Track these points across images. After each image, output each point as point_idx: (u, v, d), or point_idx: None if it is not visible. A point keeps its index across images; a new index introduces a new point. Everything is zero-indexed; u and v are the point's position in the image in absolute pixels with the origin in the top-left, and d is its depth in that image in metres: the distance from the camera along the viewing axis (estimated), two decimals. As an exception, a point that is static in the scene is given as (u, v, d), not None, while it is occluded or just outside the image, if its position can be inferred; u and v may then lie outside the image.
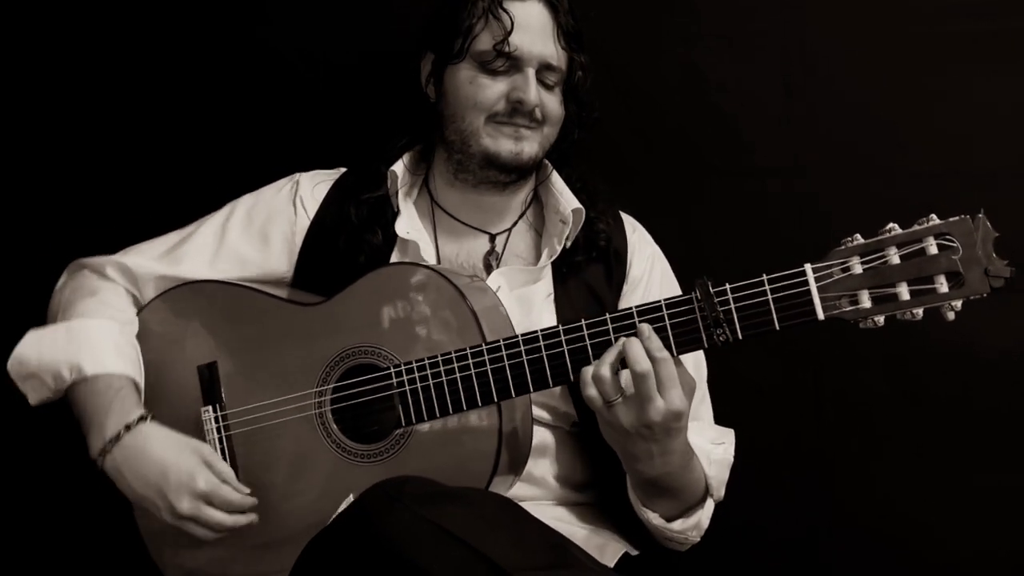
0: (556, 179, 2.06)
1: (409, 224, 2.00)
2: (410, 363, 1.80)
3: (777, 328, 1.63)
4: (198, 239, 2.05)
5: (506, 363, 1.75)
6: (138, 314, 2.00)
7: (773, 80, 2.35)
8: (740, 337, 1.65)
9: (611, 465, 1.82)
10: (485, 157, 1.96)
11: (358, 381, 1.85)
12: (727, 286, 1.65)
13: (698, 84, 2.37)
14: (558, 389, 1.90)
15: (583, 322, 1.72)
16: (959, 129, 2.29)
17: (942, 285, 1.56)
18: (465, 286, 1.83)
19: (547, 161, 2.07)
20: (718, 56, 2.36)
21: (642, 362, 1.63)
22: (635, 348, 1.64)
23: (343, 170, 2.12)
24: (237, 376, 1.93)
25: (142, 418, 1.84)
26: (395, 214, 2.00)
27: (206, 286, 2.01)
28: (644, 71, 2.38)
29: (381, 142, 2.08)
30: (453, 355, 1.78)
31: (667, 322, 1.68)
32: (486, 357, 1.76)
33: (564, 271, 2.00)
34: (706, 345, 1.67)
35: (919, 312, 1.58)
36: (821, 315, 1.62)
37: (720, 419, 2.04)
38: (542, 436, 1.95)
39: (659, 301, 1.69)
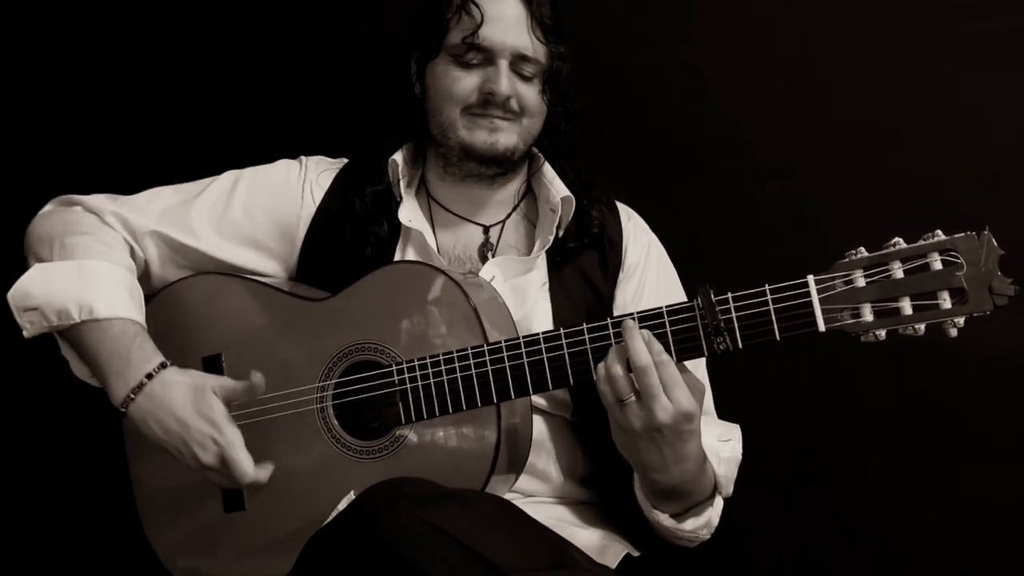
0: (547, 170, 2.07)
1: (411, 213, 2.02)
2: (412, 361, 1.81)
3: (778, 339, 1.64)
4: (201, 206, 2.04)
5: (507, 364, 1.76)
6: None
7: (773, 80, 2.35)
8: (740, 346, 1.66)
9: (613, 460, 1.84)
10: (462, 149, 1.98)
11: (360, 378, 1.86)
12: (729, 295, 1.66)
13: (698, 84, 2.37)
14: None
15: (584, 326, 1.73)
16: (959, 129, 2.29)
17: (945, 301, 1.56)
18: (465, 283, 1.84)
19: (539, 153, 2.08)
20: (718, 56, 2.36)
21: (642, 357, 1.64)
22: (634, 344, 1.65)
23: (346, 160, 2.12)
24: (241, 369, 1.92)
25: (163, 365, 1.86)
26: (398, 203, 2.02)
27: (215, 278, 2.02)
28: (644, 71, 2.38)
29: (377, 139, 2.09)
30: (455, 355, 1.78)
31: (668, 329, 1.69)
32: (487, 358, 1.77)
33: (558, 259, 2.01)
34: (706, 353, 1.68)
35: (921, 327, 1.58)
36: (822, 327, 1.62)
37: (720, 418, 2.03)
38: (542, 426, 1.96)
39: (660, 308, 1.70)
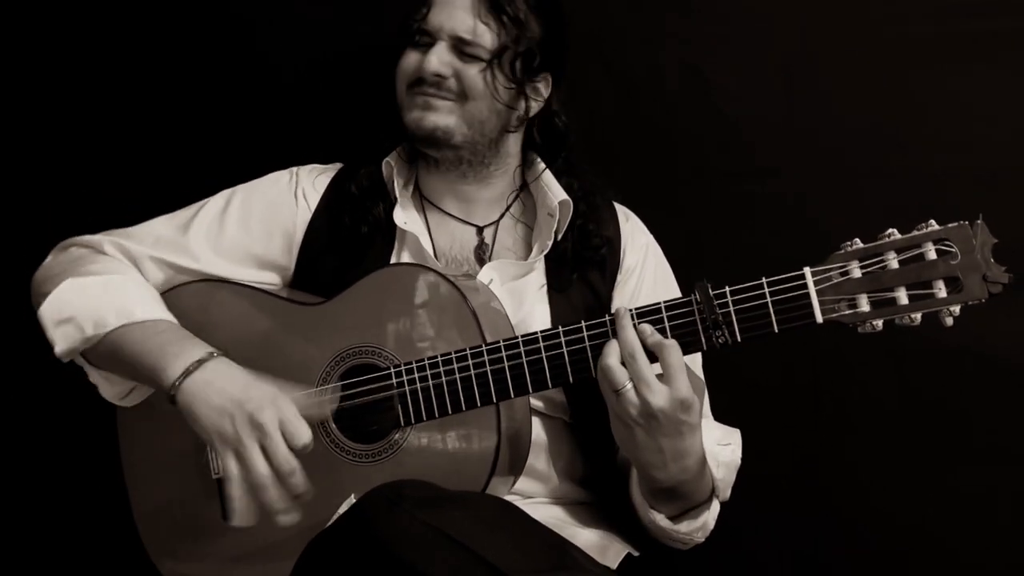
0: (546, 175, 2.06)
1: (406, 215, 2.01)
2: (410, 363, 1.80)
3: (776, 331, 1.64)
4: (197, 229, 2.04)
5: (505, 364, 1.75)
6: None
7: (773, 80, 2.35)
8: (739, 340, 1.66)
9: (610, 462, 1.82)
10: (406, 128, 1.99)
11: (358, 381, 1.85)
12: (726, 289, 1.66)
13: (698, 84, 2.37)
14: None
15: (583, 323, 1.73)
16: (959, 129, 2.29)
17: (940, 290, 1.57)
18: (462, 285, 1.84)
19: (537, 157, 2.08)
20: (718, 56, 2.36)
21: (630, 343, 1.66)
22: (623, 332, 1.67)
23: (340, 165, 2.12)
24: None
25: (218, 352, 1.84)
26: (393, 204, 2.01)
27: (208, 285, 2.01)
28: (644, 71, 2.38)
29: (377, 140, 2.09)
30: (453, 356, 1.78)
31: (666, 324, 1.68)
32: (486, 358, 1.76)
33: (556, 262, 2.00)
34: (705, 347, 1.68)
35: (917, 317, 1.59)
36: (820, 318, 1.62)
37: (718, 418, 2.02)
38: (540, 428, 1.95)
39: (659, 303, 1.70)
